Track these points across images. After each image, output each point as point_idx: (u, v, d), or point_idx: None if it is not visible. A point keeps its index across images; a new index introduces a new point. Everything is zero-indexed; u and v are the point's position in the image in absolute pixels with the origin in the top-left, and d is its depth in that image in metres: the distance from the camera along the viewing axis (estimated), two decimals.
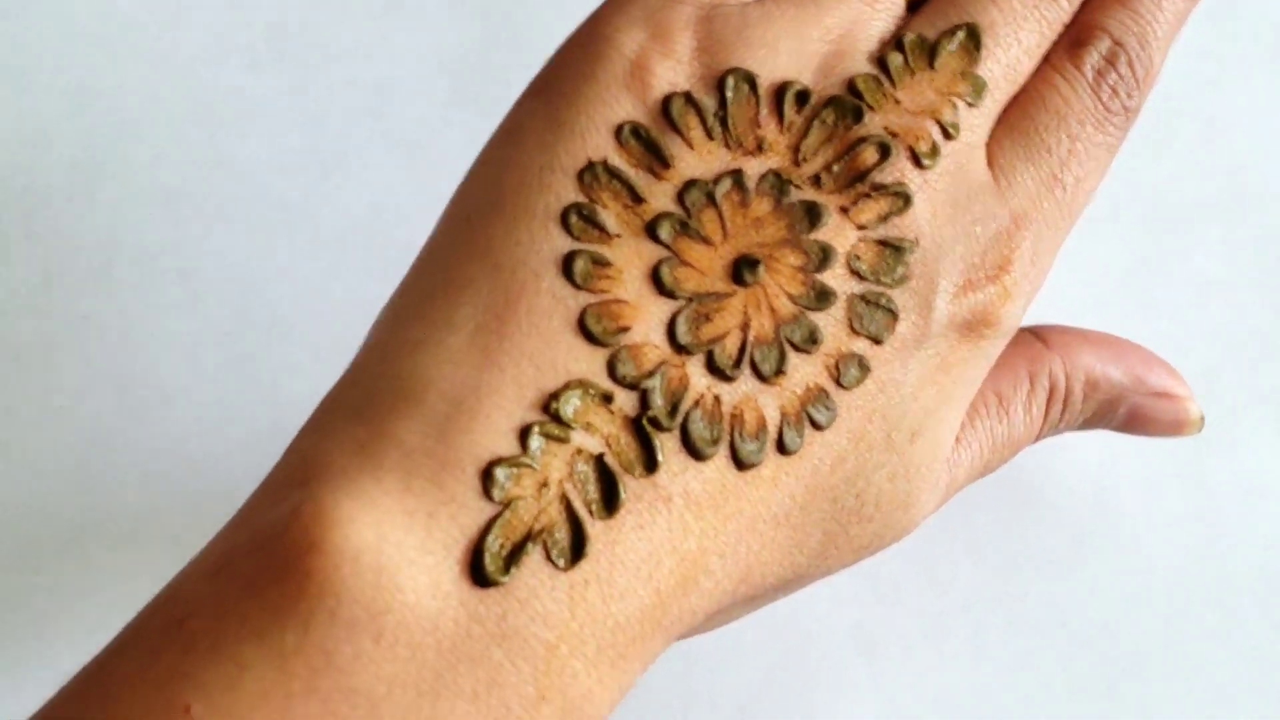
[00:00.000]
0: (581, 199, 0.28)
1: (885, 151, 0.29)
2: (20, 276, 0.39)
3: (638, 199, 0.28)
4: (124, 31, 0.43)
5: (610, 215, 0.28)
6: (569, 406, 0.26)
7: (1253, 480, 0.38)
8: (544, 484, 0.26)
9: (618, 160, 0.28)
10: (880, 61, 0.30)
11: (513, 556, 0.25)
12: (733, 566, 0.28)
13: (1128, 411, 0.34)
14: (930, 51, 0.30)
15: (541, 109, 0.29)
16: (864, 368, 0.29)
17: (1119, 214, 0.41)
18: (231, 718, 0.23)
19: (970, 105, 0.30)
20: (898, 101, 0.30)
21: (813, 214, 0.29)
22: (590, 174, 0.28)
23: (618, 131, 0.28)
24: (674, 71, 0.29)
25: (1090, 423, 0.34)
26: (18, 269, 0.39)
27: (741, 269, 0.28)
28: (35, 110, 0.42)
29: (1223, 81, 0.42)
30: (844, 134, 0.29)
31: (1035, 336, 0.33)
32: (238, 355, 0.37)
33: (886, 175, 0.29)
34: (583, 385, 0.27)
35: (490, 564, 0.25)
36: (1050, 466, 0.38)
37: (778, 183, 0.29)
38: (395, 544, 0.24)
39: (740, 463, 0.27)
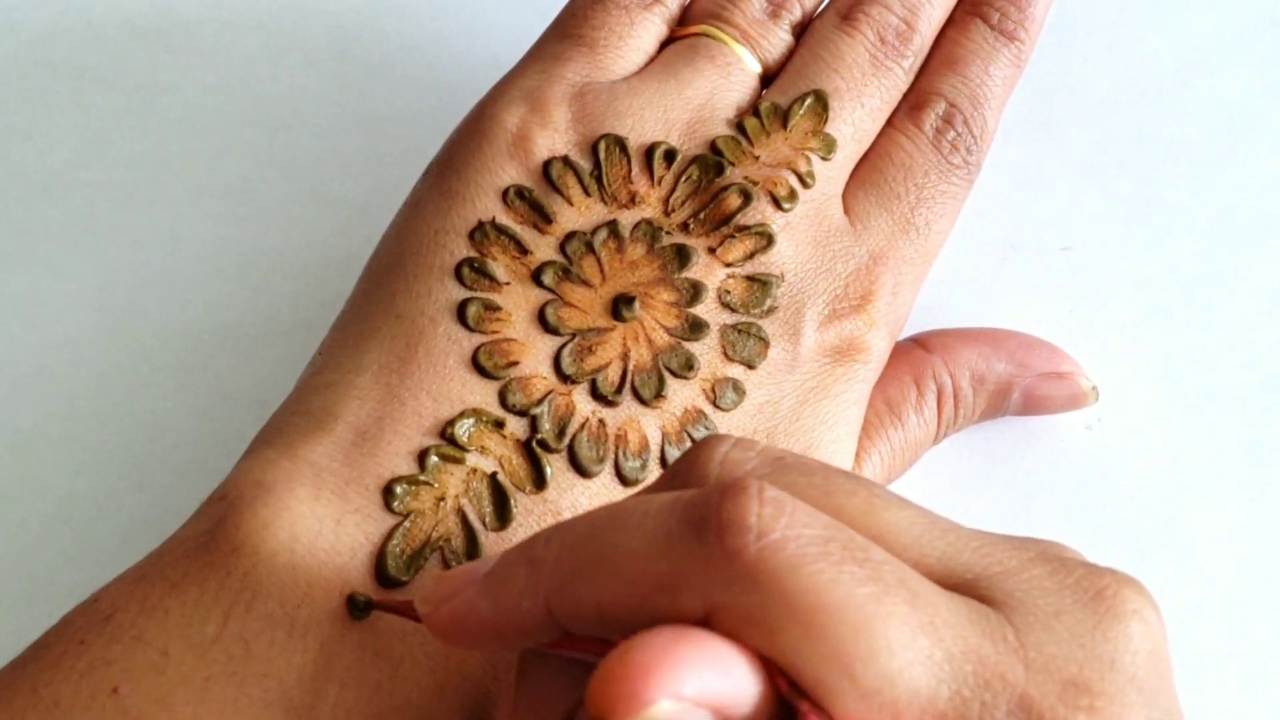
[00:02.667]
0: (473, 254, 0.31)
1: (747, 197, 0.33)
2: (79, 273, 0.40)
3: (524, 251, 0.32)
4: (184, 29, 0.43)
5: (500, 266, 0.31)
6: (464, 431, 0.29)
7: None
8: (441, 499, 0.29)
9: (505, 219, 0.32)
10: (738, 125, 0.34)
11: (413, 560, 0.28)
12: None
13: (1021, 396, 0.36)
14: (783, 116, 0.34)
15: (436, 183, 0.33)
16: (739, 391, 0.31)
17: (1182, 226, 0.41)
18: (156, 699, 0.25)
19: (823, 159, 0.34)
20: (756, 157, 0.33)
21: (682, 255, 0.32)
22: (480, 232, 0.32)
23: (504, 195, 0.32)
24: (552, 139, 0.33)
25: (987, 414, 0.36)
26: (77, 266, 0.40)
27: (619, 306, 0.31)
28: (95, 107, 0.42)
29: None
30: (708, 185, 0.33)
31: (915, 344, 0.36)
32: (298, 352, 0.37)
33: (749, 217, 0.33)
34: (477, 413, 0.30)
35: (393, 565, 0.28)
36: (1112, 476, 0.38)
37: (650, 230, 0.32)
38: (307, 546, 0.27)
39: (624, 479, 0.30)
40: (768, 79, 0.36)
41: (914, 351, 0.35)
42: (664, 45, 0.36)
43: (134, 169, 0.41)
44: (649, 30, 0.35)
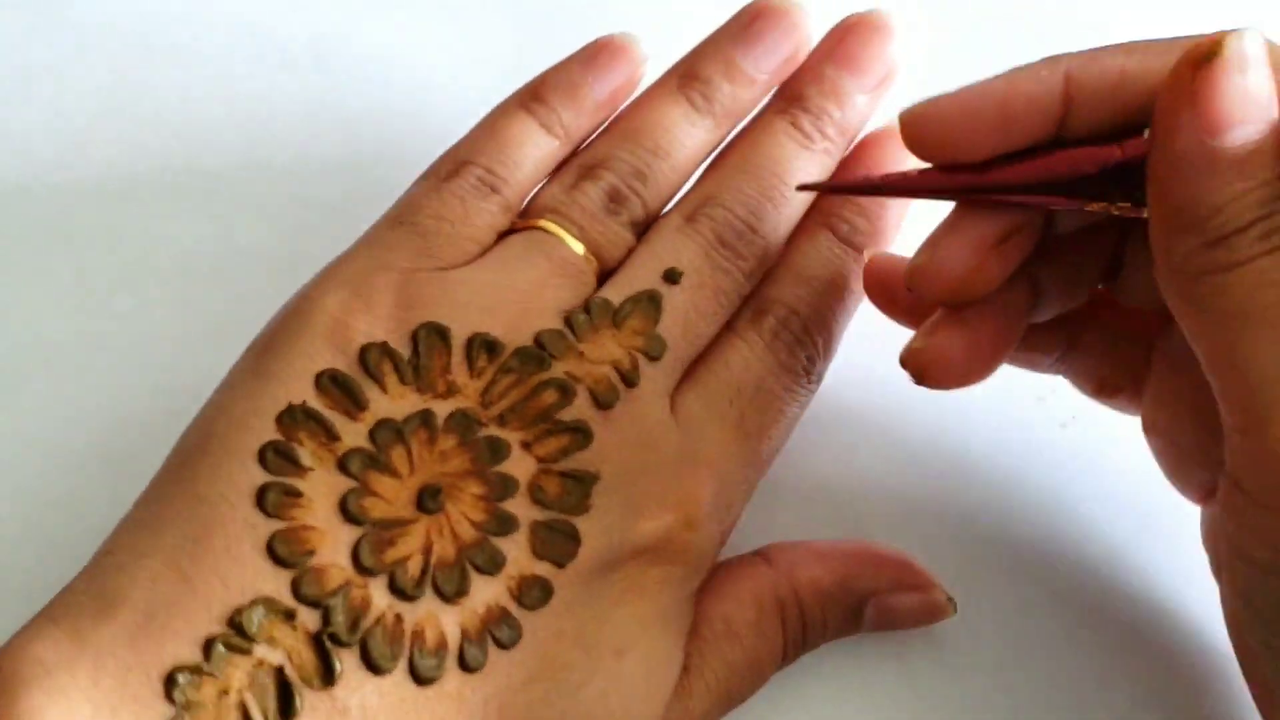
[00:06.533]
0: (279, 438, 0.31)
1: (565, 392, 0.32)
2: (55, 275, 0.40)
3: (333, 437, 0.31)
4: (160, 29, 0.43)
5: (306, 452, 0.31)
6: (253, 621, 0.29)
7: None
8: (224, 691, 0.28)
9: (316, 404, 0.31)
10: (567, 320, 0.33)
11: None
12: None
13: (874, 612, 0.35)
14: (613, 313, 0.34)
15: (252, 363, 0.32)
16: (546, 590, 0.31)
17: None
18: None
19: (651, 359, 0.33)
20: (581, 354, 0.33)
21: (495, 447, 0.31)
22: (289, 416, 0.31)
23: (318, 379, 0.31)
24: (372, 326, 0.32)
25: (843, 629, 0.35)
26: (52, 267, 0.40)
27: (424, 497, 0.31)
28: (71, 107, 0.42)
29: None
30: (528, 379, 0.32)
31: (759, 557, 0.35)
32: None
33: (568, 414, 0.32)
34: (268, 602, 0.29)
35: None
36: (1086, 474, 0.38)
37: (465, 421, 0.32)
38: None
39: (419, 678, 0.29)
40: (606, 274, 0.35)
41: (756, 566, 0.34)
42: (503, 236, 0.35)
43: (108, 170, 0.41)
44: (485, 220, 0.35)
